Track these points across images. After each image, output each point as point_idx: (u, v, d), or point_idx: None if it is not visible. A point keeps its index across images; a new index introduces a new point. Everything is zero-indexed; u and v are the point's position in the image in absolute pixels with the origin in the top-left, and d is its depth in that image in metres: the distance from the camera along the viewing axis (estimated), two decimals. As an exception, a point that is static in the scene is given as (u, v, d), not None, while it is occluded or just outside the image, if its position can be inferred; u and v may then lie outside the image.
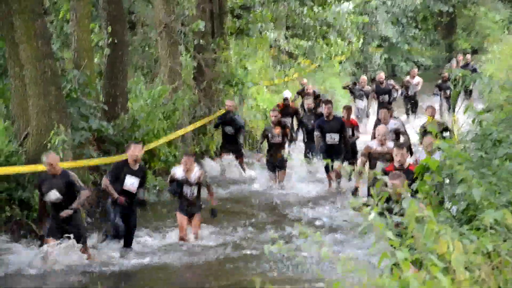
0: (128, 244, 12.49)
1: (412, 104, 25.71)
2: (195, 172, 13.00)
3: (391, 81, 24.82)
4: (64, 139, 13.37)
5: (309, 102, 19.32)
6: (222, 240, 13.11)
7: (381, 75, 24.95)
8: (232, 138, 19.02)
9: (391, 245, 4.90)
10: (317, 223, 14.19)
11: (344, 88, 26.37)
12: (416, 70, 27.30)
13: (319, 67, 33.85)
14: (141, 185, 12.48)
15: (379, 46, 42.85)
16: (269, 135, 17.33)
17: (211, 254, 12.31)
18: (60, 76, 14.36)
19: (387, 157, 13.36)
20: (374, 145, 13.94)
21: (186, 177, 12.96)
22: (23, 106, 14.08)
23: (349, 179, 16.92)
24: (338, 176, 16.81)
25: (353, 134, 17.56)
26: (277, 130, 17.23)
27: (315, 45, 33.99)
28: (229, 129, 19.05)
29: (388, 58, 44.54)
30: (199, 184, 13.06)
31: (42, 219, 11.88)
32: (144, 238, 13.15)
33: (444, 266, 4.76)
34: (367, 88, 24.88)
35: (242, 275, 11.15)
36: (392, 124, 16.18)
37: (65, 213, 11.43)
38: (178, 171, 13.03)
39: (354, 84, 25.44)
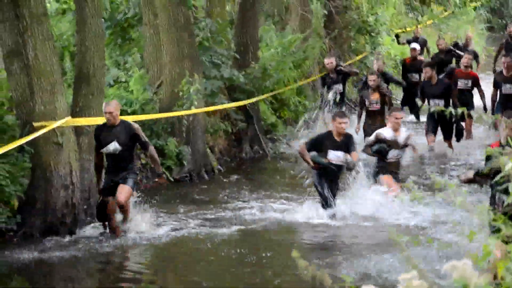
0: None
1: None
2: (403, 133, 11.99)
3: None
4: (198, 88, 13.54)
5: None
6: None
7: None
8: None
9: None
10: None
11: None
12: None
13: (453, 13, 32.93)
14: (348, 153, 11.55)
15: (517, -9, 41.32)
16: (366, 101, 15.17)
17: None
18: (192, 24, 14.52)
19: None
20: None
21: (395, 138, 11.84)
22: (156, 54, 14.35)
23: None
24: (450, 145, 15.52)
25: (472, 88, 15.94)
26: (375, 96, 15.15)
27: (449, -9, 33.07)
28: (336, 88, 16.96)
29: (526, 4, 42.92)
30: (405, 147, 11.99)
31: (100, 172, 11.11)
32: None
33: None
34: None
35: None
36: None
37: (161, 180, 11.52)
38: (386, 132, 11.89)
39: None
